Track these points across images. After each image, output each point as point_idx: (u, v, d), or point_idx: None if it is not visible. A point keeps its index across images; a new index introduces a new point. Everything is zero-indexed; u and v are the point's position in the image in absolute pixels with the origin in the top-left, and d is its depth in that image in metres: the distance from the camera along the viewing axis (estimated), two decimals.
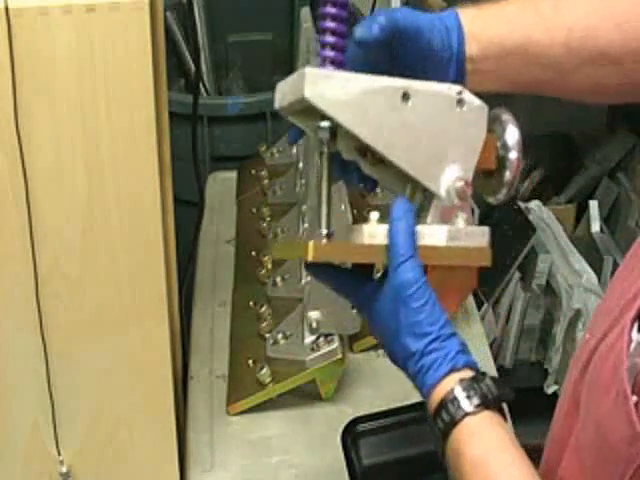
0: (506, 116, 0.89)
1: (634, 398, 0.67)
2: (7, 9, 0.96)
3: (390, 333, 0.83)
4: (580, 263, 2.17)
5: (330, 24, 0.85)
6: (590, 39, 0.89)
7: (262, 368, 1.29)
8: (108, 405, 1.19)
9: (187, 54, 2.41)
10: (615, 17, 0.89)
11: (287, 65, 2.55)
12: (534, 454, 0.91)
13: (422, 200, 0.89)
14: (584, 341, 0.81)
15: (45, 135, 1.03)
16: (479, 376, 0.81)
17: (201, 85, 2.42)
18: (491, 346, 1.99)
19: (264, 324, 1.38)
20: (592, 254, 2.23)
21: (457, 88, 0.86)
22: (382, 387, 1.35)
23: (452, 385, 0.79)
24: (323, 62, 0.85)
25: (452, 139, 0.86)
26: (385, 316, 0.83)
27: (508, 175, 0.88)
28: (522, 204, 2.25)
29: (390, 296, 0.82)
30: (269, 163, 1.70)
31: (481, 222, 1.61)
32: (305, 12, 1.66)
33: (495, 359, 1.80)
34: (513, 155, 0.88)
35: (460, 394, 0.79)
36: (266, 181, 1.65)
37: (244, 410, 1.32)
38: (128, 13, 0.98)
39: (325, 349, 1.27)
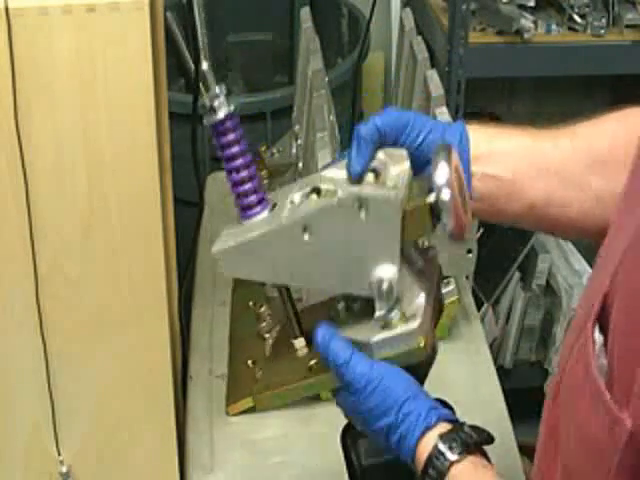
0: (437, 155, 0.84)
1: (608, 395, 0.67)
2: (7, 9, 0.96)
3: (366, 422, 0.87)
4: (580, 263, 2.17)
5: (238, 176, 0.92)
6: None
7: (262, 368, 1.29)
8: (108, 405, 1.19)
9: (187, 54, 2.41)
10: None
11: (287, 65, 2.55)
12: (534, 454, 0.91)
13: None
14: (564, 342, 0.81)
15: (45, 135, 1.03)
16: (457, 426, 0.83)
17: (201, 85, 2.42)
18: (491, 346, 1.99)
19: (264, 324, 1.38)
20: (592, 254, 2.23)
21: (354, 190, 0.84)
22: None
23: (434, 442, 0.82)
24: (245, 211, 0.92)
25: (367, 244, 0.84)
26: (355, 411, 0.88)
27: (445, 218, 0.82)
28: None
29: (347, 395, 0.87)
30: (269, 163, 1.70)
31: (481, 222, 1.61)
32: (305, 12, 1.66)
33: (495, 359, 1.80)
34: (446, 196, 0.82)
35: (442, 447, 0.81)
36: (266, 181, 1.65)
37: (244, 410, 1.32)
38: (128, 13, 0.99)
39: None
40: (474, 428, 0.84)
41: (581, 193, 0.92)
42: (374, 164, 0.87)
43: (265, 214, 0.91)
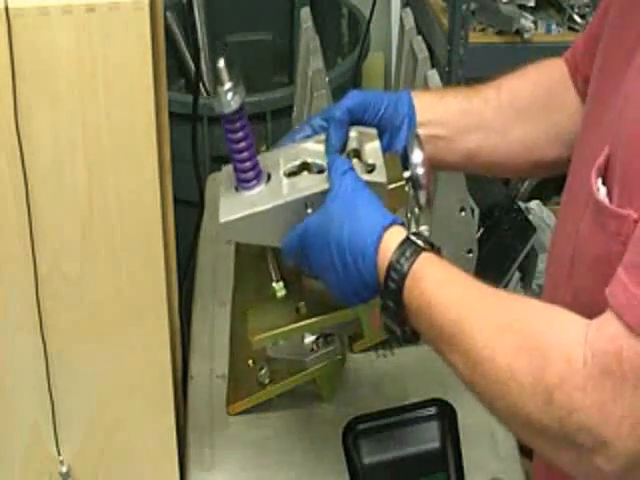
0: (413, 141, 1.01)
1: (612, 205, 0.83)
2: (7, 9, 0.96)
3: (333, 229, 0.94)
4: None
5: (237, 149, 1.02)
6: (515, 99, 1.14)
7: (262, 368, 1.29)
8: (108, 405, 1.19)
9: (187, 54, 2.41)
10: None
11: (287, 65, 2.55)
12: (533, 454, 0.91)
13: None
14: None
15: (45, 135, 1.03)
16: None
17: (201, 85, 2.42)
18: None
19: None
20: None
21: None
22: (382, 387, 1.35)
23: (403, 234, 0.93)
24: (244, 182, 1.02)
25: None
26: (325, 222, 0.96)
27: (420, 189, 1.00)
28: (522, 204, 2.25)
29: (340, 201, 0.96)
30: None
31: (481, 222, 1.61)
32: (305, 12, 1.66)
33: None
34: (420, 171, 0.99)
35: (413, 237, 0.92)
36: None
37: (244, 410, 1.32)
38: (128, 13, 0.99)
39: (325, 349, 1.27)
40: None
41: (506, 139, 1.13)
42: (352, 144, 1.02)
43: (263, 186, 1.02)
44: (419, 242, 0.91)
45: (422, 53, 1.47)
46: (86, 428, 1.20)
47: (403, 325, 0.91)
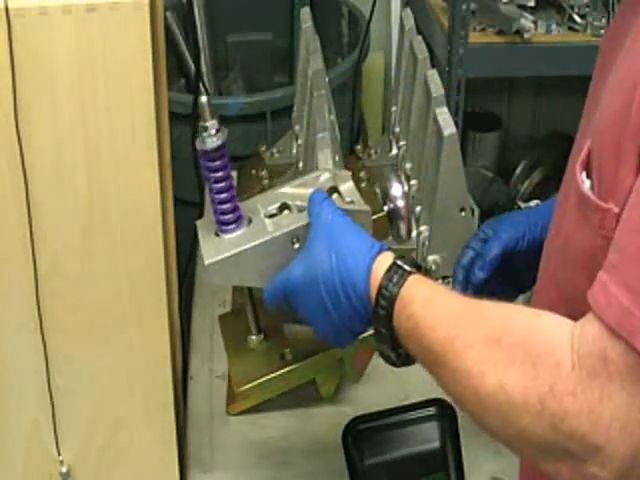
0: (391, 176, 1.04)
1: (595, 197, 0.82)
2: (7, 9, 0.96)
3: (319, 257, 0.94)
4: None
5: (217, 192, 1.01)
6: None
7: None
8: (108, 405, 1.19)
9: (187, 54, 2.41)
10: None
11: (287, 65, 2.55)
12: None
13: None
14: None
15: (45, 135, 1.03)
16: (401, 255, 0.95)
17: (201, 85, 2.42)
18: None
19: None
20: None
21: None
22: (382, 387, 1.35)
23: (390, 260, 0.92)
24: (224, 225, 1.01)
25: None
26: (311, 250, 0.95)
27: (399, 222, 1.03)
28: (522, 204, 2.25)
29: (322, 234, 0.95)
30: (269, 163, 1.70)
31: (481, 222, 1.62)
32: (305, 12, 1.66)
33: None
34: (400, 204, 1.03)
35: (400, 262, 0.91)
36: (266, 181, 1.65)
37: (244, 410, 1.32)
38: (128, 13, 0.99)
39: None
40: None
41: None
42: (328, 183, 1.02)
43: (244, 229, 1.01)
44: (405, 266, 0.91)
45: (422, 53, 1.47)
46: (86, 428, 1.20)
47: (397, 349, 0.91)
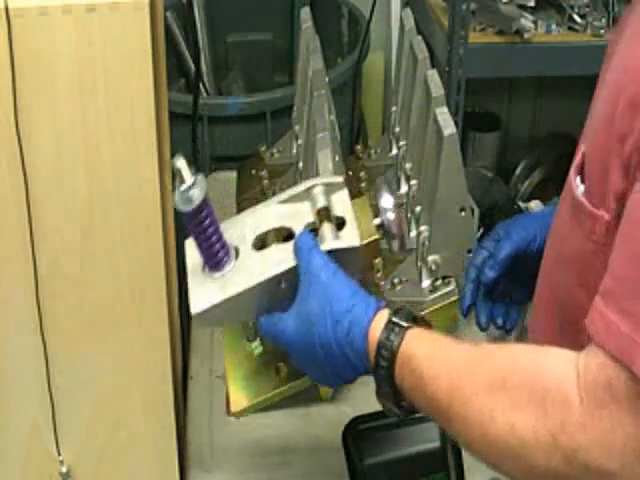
0: (382, 187, 1.01)
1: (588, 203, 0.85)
2: (7, 9, 0.96)
3: (314, 317, 0.93)
4: None
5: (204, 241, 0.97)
6: None
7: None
8: (108, 405, 1.19)
9: (187, 54, 2.41)
10: None
11: (287, 65, 2.55)
12: None
13: None
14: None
15: (45, 135, 1.03)
16: (399, 307, 0.93)
17: (201, 85, 2.42)
18: None
19: None
20: None
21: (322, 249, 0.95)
22: None
23: (386, 317, 0.91)
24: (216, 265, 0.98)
25: None
26: (304, 307, 0.94)
27: (394, 229, 1.01)
28: (522, 204, 2.25)
29: (309, 286, 0.94)
30: (269, 163, 1.70)
31: (481, 222, 1.61)
32: (305, 12, 1.66)
33: None
34: (391, 216, 1.01)
35: (395, 318, 0.90)
36: (266, 181, 1.65)
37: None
38: (128, 13, 0.99)
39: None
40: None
41: None
42: (319, 201, 0.98)
43: (232, 263, 0.99)
44: (402, 322, 0.90)
45: (422, 53, 1.47)
46: (86, 428, 1.20)
47: (399, 403, 0.92)
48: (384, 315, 0.92)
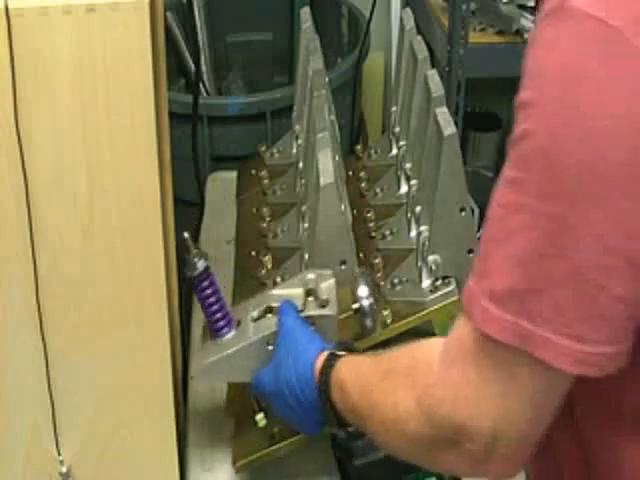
0: (359, 278, 1.19)
1: None
2: (7, 9, 0.96)
3: (282, 362, 1.08)
4: None
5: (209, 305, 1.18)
6: None
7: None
8: (108, 405, 1.19)
9: (187, 54, 2.41)
10: None
11: (287, 65, 2.55)
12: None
13: None
14: None
15: (45, 135, 1.03)
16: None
17: (201, 85, 2.42)
18: None
19: None
20: None
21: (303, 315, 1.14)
22: None
23: (328, 351, 1.05)
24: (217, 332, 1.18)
25: None
26: (277, 359, 1.10)
27: (367, 320, 1.18)
28: None
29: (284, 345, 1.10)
30: (269, 163, 1.70)
31: (481, 222, 1.62)
32: (305, 12, 1.66)
33: None
34: (366, 303, 1.18)
35: (333, 350, 1.05)
36: (266, 181, 1.65)
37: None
38: (128, 13, 0.99)
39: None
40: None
41: None
42: (309, 284, 1.18)
43: (233, 332, 1.18)
44: (338, 353, 1.03)
45: (422, 53, 1.47)
46: (86, 428, 1.20)
47: (345, 428, 1.02)
48: (327, 351, 1.05)
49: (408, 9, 1.64)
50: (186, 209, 1.43)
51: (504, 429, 0.79)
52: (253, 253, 1.52)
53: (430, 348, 0.86)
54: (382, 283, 1.36)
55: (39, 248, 1.08)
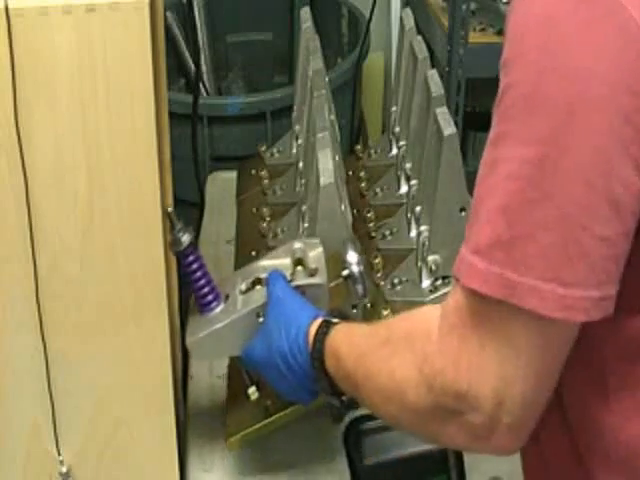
0: (348, 245, 1.17)
1: None
2: (7, 9, 0.96)
3: (274, 330, 1.07)
4: None
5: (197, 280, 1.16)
6: None
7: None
8: (108, 405, 1.19)
9: (187, 54, 2.41)
10: None
11: (287, 65, 2.55)
12: None
13: None
14: None
15: (45, 135, 1.03)
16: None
17: (201, 85, 2.42)
18: None
19: None
20: None
21: (292, 284, 1.13)
22: None
23: (321, 319, 1.04)
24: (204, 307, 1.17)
25: None
26: (268, 328, 1.09)
27: (357, 286, 1.15)
28: None
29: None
30: (269, 163, 1.70)
31: None
32: (305, 12, 1.66)
33: None
34: (355, 269, 1.15)
35: (327, 318, 1.04)
36: (266, 181, 1.65)
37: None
38: (128, 13, 0.99)
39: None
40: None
41: None
42: (297, 254, 1.17)
43: (222, 306, 1.16)
44: (332, 320, 1.03)
45: (422, 53, 1.47)
46: (86, 428, 1.20)
47: (339, 396, 1.02)
48: (320, 318, 1.04)
49: (408, 9, 1.64)
50: (186, 209, 1.43)
51: (507, 393, 0.78)
52: (253, 253, 1.52)
53: (428, 316, 0.85)
54: (382, 283, 1.36)
55: (39, 248, 1.08)
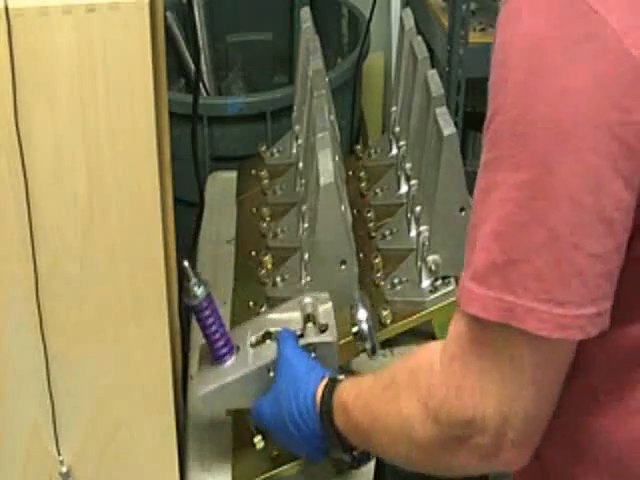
0: (358, 302, 1.20)
1: None
2: (7, 9, 0.96)
3: (283, 394, 1.09)
4: None
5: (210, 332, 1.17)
6: None
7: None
8: (108, 405, 1.19)
9: (187, 54, 2.41)
10: None
11: (287, 65, 2.55)
12: None
13: None
14: None
15: (45, 135, 1.03)
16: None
17: (201, 85, 2.42)
18: None
19: None
20: None
21: (302, 342, 1.15)
22: None
23: (327, 379, 1.05)
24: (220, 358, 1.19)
25: None
26: (277, 389, 1.10)
27: (367, 342, 1.18)
28: None
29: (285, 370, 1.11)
30: (269, 163, 1.70)
31: None
32: (305, 12, 1.66)
33: None
34: (364, 326, 1.18)
35: (333, 377, 1.06)
36: (266, 181, 1.65)
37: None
38: (128, 13, 0.99)
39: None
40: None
41: None
42: (307, 309, 1.19)
43: (233, 359, 1.18)
44: (338, 377, 1.05)
45: (422, 53, 1.47)
46: (86, 428, 1.20)
47: (350, 452, 1.04)
48: (327, 379, 1.05)
49: (408, 9, 1.64)
50: (186, 209, 1.43)
51: (511, 411, 0.79)
52: (253, 253, 1.52)
53: (429, 351, 0.87)
54: (382, 283, 1.36)
55: (39, 248, 1.08)
